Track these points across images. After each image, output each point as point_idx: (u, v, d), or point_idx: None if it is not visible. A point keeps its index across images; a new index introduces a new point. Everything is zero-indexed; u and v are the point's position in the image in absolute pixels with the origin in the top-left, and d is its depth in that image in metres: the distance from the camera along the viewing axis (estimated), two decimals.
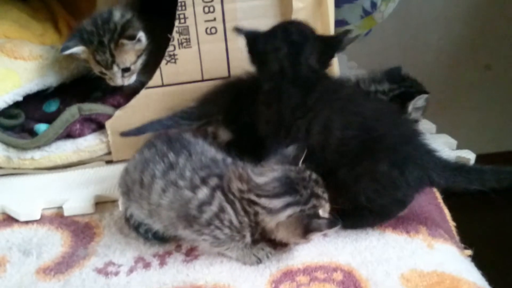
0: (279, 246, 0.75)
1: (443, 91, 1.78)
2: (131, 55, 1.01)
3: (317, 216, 0.68)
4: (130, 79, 1.04)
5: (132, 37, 0.98)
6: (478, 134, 1.89)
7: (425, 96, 0.95)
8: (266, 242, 0.74)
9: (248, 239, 0.70)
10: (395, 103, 0.95)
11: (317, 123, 0.75)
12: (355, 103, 0.78)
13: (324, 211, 0.70)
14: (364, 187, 0.73)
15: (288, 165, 0.71)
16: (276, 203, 0.67)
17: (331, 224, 0.68)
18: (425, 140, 0.76)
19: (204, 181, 0.70)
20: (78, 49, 1.00)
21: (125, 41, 0.98)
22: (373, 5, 1.15)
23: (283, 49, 0.80)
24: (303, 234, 0.68)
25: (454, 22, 1.91)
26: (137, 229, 0.80)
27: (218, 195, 0.69)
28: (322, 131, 0.75)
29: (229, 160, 0.75)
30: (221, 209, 0.68)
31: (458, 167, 0.75)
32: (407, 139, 0.75)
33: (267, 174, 0.70)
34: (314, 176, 0.71)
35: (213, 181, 0.70)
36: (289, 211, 0.67)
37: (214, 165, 0.73)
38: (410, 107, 0.95)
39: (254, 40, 0.83)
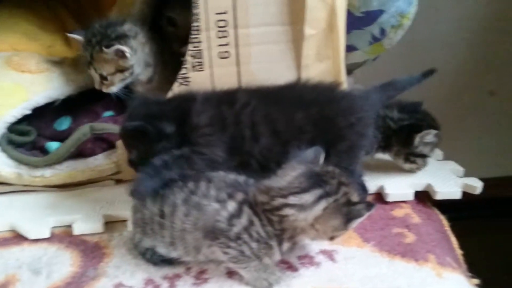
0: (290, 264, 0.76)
1: (447, 116, 1.79)
2: (109, 65, 1.02)
3: (352, 203, 0.68)
4: (109, 89, 1.04)
5: (108, 46, 0.99)
6: (482, 158, 1.90)
7: (434, 132, 0.95)
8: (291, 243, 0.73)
9: (275, 249, 0.70)
10: (402, 133, 0.96)
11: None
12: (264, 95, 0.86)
13: (355, 198, 0.69)
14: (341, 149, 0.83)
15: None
16: (307, 197, 0.66)
17: (369, 207, 0.68)
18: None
19: (231, 196, 0.71)
20: (78, 38, 1.05)
21: (104, 49, 1.00)
22: (383, 32, 1.16)
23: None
24: (344, 224, 0.67)
25: (459, 48, 1.94)
26: (143, 254, 0.81)
27: (246, 209, 0.70)
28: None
29: (251, 181, 0.76)
30: (250, 223, 0.69)
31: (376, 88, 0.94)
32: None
33: (290, 173, 0.70)
34: (337, 170, 0.71)
35: (240, 196, 0.71)
36: (323, 203, 0.66)
37: (238, 185, 0.74)
38: (417, 140, 0.95)
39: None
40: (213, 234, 0.70)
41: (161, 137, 0.82)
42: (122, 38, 1.02)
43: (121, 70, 1.03)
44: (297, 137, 0.82)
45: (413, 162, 0.98)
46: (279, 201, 0.68)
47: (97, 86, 1.05)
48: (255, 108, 0.83)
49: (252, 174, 0.78)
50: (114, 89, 1.04)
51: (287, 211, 0.67)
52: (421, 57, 1.92)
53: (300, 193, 0.67)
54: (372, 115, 0.89)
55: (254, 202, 0.70)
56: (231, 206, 0.71)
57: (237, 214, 0.70)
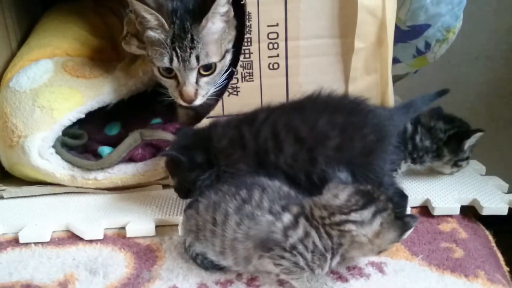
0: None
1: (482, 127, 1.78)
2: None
3: (399, 216, 0.72)
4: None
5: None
6: None
7: (480, 134, 0.99)
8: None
9: (328, 261, 0.72)
10: (452, 142, 0.99)
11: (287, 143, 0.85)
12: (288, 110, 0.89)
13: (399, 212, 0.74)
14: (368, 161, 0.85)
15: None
16: (366, 213, 0.70)
17: (414, 219, 0.72)
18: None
19: (285, 208, 0.74)
20: None
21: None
22: (427, 46, 1.17)
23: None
24: (399, 236, 0.71)
25: (495, 61, 1.92)
26: (194, 259, 0.83)
27: (302, 221, 0.72)
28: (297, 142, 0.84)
29: (300, 195, 0.78)
30: (306, 234, 0.71)
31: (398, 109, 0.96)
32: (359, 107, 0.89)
33: (341, 193, 0.73)
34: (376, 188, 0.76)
35: (295, 209, 0.74)
36: (379, 219, 0.70)
37: (291, 198, 0.77)
38: (467, 145, 0.99)
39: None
40: (267, 245, 0.72)
41: (194, 166, 0.88)
42: None
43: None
44: (322, 143, 0.84)
45: (459, 166, 1.03)
46: (340, 217, 0.71)
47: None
48: (276, 119, 0.86)
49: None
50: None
51: (349, 226, 0.70)
52: (457, 69, 1.92)
53: (359, 210, 0.71)
54: (395, 136, 0.90)
55: (311, 215, 0.73)
56: (287, 218, 0.72)
57: (292, 226, 0.72)
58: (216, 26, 0.93)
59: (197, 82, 0.94)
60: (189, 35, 0.91)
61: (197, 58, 0.92)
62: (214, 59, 0.94)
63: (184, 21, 0.91)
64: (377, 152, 0.85)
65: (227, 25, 0.95)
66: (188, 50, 0.91)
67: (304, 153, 0.84)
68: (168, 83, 0.97)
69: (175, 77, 0.95)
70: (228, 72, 0.99)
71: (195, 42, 0.91)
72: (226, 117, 0.94)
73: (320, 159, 0.84)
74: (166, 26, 0.91)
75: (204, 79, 0.95)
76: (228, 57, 0.98)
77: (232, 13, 0.95)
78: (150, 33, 0.94)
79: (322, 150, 0.84)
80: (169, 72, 0.95)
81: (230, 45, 0.98)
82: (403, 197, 0.91)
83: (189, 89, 0.94)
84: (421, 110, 0.98)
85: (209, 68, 0.95)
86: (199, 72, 0.94)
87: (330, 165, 0.82)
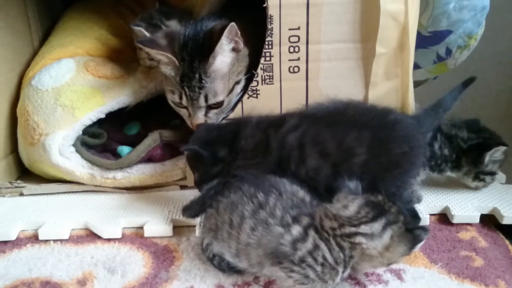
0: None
1: (503, 136, 1.75)
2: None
3: (409, 228, 0.71)
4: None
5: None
6: None
7: (503, 148, 0.96)
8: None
9: (339, 275, 0.71)
10: (472, 152, 0.97)
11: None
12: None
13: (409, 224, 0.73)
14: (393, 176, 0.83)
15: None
16: (377, 226, 0.69)
17: (425, 231, 0.71)
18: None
19: (295, 219, 0.73)
20: None
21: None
22: (448, 52, 1.16)
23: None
24: (410, 249, 0.70)
25: None
26: (211, 260, 0.83)
27: (312, 233, 0.71)
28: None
29: (315, 201, 0.77)
30: (316, 247, 0.70)
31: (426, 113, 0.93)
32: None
33: (351, 204, 0.72)
34: (388, 198, 0.74)
35: (305, 220, 0.73)
36: (389, 231, 0.69)
37: (303, 206, 0.76)
38: (487, 158, 0.96)
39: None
40: (276, 258, 0.71)
41: (215, 161, 0.88)
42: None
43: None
44: (348, 160, 0.82)
45: (482, 180, 0.99)
46: (350, 229, 0.70)
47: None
48: (305, 130, 0.85)
49: None
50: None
51: (359, 239, 0.69)
52: (477, 76, 1.90)
53: (369, 222, 0.70)
54: (424, 144, 0.89)
55: (321, 227, 0.72)
56: (296, 230, 0.72)
57: (302, 238, 0.71)
58: (225, 60, 0.96)
59: (206, 114, 0.98)
60: (197, 75, 0.94)
61: (206, 97, 0.96)
62: (221, 97, 0.97)
63: (193, 57, 0.94)
64: (404, 165, 0.84)
65: (236, 57, 0.98)
66: (196, 90, 0.95)
67: (328, 168, 0.83)
68: (181, 112, 1.02)
69: (187, 107, 0.99)
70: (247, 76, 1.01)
71: (203, 81, 0.95)
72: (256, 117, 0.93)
73: (344, 174, 0.81)
74: (177, 63, 0.95)
75: (214, 111, 0.99)
76: (239, 87, 1.01)
77: (241, 45, 0.98)
78: (163, 68, 0.98)
79: (347, 167, 0.82)
80: (181, 103, 0.99)
81: (240, 76, 1.01)
82: (416, 218, 0.89)
83: (199, 122, 0.98)
84: (451, 107, 0.95)
85: (217, 103, 0.98)
86: (208, 106, 0.98)
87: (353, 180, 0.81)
